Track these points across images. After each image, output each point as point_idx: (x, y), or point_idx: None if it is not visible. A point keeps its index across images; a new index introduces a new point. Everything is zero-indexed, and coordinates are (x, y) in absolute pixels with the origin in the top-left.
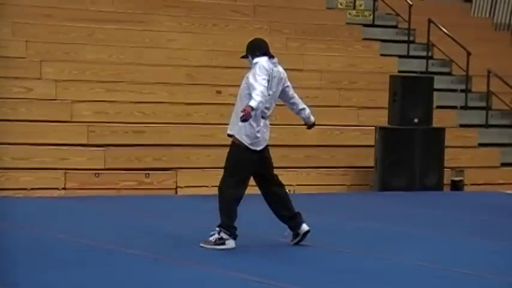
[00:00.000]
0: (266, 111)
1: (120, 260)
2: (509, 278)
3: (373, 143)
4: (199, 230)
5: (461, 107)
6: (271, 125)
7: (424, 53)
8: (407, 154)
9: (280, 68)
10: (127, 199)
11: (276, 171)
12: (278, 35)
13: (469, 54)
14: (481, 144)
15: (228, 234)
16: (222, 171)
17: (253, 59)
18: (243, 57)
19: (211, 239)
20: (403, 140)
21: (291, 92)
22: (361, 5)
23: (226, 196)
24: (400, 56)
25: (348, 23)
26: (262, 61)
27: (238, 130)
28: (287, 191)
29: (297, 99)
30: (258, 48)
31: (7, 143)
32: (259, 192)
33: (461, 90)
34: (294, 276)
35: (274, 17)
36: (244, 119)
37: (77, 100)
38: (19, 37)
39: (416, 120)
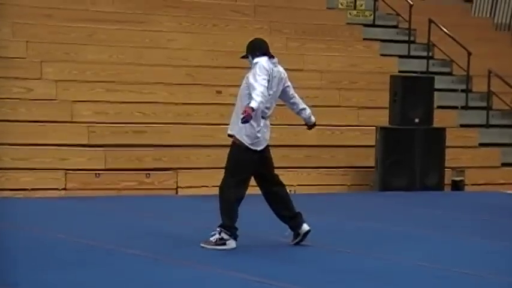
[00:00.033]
0: (266, 111)
1: (120, 260)
2: (509, 278)
3: (373, 143)
4: (199, 230)
5: (462, 107)
6: (271, 125)
7: (424, 53)
8: (408, 154)
9: (280, 68)
10: (127, 199)
11: (276, 171)
12: (278, 35)
13: (469, 54)
14: (481, 144)
15: (228, 235)
16: (222, 172)
17: (253, 59)
18: (243, 57)
19: (211, 239)
20: (404, 140)
21: (292, 92)
22: (361, 5)
23: (227, 196)
24: (401, 56)
25: (348, 23)
26: (262, 61)
27: (239, 130)
28: (288, 191)
29: (297, 99)
30: (258, 48)
31: (7, 144)
32: (259, 192)
33: (462, 90)
34: (294, 276)
35: (275, 17)
36: (245, 120)
37: (77, 100)
38: (19, 37)
39: (416, 120)
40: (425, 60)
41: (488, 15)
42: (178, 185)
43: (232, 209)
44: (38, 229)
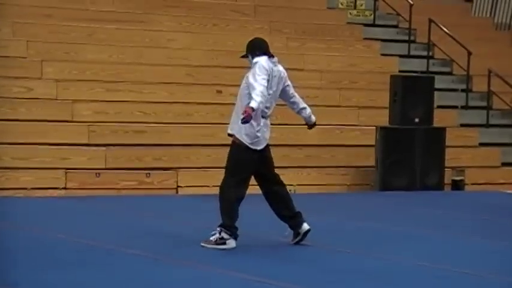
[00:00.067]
0: (266, 110)
1: (120, 260)
2: (509, 278)
3: (373, 143)
4: (199, 229)
5: (462, 107)
6: (271, 124)
7: (424, 53)
8: (408, 154)
9: (280, 67)
10: (127, 199)
11: (276, 171)
12: (278, 35)
13: (469, 54)
14: (481, 144)
15: (229, 234)
16: (222, 171)
17: (253, 58)
18: (243, 56)
19: (212, 238)
20: (404, 140)
21: (292, 91)
22: (361, 5)
23: (228, 196)
24: (401, 56)
25: (348, 23)
26: (261, 61)
27: (239, 130)
28: (288, 190)
29: (297, 98)
30: (257, 47)
31: (7, 143)
32: (260, 192)
33: (462, 90)
34: (295, 276)
35: (275, 17)
36: (245, 120)
37: (78, 100)
38: (19, 37)
39: (417, 120)
40: (425, 60)
41: (488, 15)
42: (179, 184)
43: (233, 208)
44: (38, 229)
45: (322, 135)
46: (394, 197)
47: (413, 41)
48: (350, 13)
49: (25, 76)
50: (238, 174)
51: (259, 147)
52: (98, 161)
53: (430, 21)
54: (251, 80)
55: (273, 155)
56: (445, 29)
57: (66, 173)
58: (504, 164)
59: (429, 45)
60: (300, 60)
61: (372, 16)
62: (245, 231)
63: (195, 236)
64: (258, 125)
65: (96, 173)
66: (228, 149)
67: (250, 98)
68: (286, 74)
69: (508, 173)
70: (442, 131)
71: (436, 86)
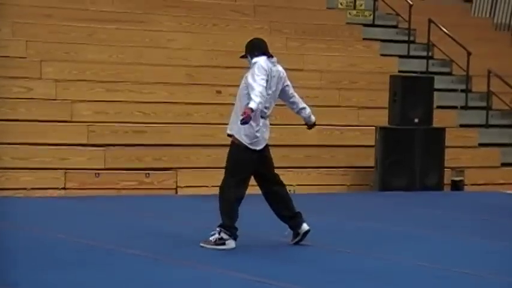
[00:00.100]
0: (266, 110)
1: (120, 260)
2: (509, 278)
3: (373, 143)
4: (199, 230)
5: (462, 107)
6: (271, 125)
7: (424, 53)
8: (408, 154)
9: (279, 67)
10: (127, 199)
11: (276, 171)
12: (278, 35)
13: (469, 54)
14: (481, 144)
15: (228, 235)
16: (222, 171)
17: (252, 58)
18: (242, 57)
19: (211, 239)
20: (404, 140)
21: (291, 91)
22: (361, 5)
23: (227, 196)
24: (401, 56)
25: (348, 23)
26: (260, 61)
27: (238, 130)
28: (288, 190)
29: (297, 98)
30: (256, 48)
31: (7, 143)
32: (259, 192)
33: (462, 90)
34: (294, 276)
35: (275, 17)
36: (245, 121)
37: (77, 100)
38: (19, 37)
39: (416, 120)
40: (425, 60)
41: (488, 15)
42: (178, 184)
43: (232, 209)
44: (37, 229)
45: (322, 136)
46: (393, 197)
47: (413, 41)
48: (349, 13)
49: (25, 76)
50: (238, 174)
51: (258, 148)
52: (97, 161)
53: (430, 21)
54: (250, 80)
55: (272, 155)
56: (444, 30)
57: (65, 173)
58: (504, 165)
59: (429, 46)
60: (300, 60)
61: (372, 16)
62: (245, 231)
63: (195, 236)
64: (258, 125)
65: (95, 173)
66: (227, 149)
67: (249, 98)
68: (285, 74)
69: (508, 174)
70: (441, 131)
71: (436, 86)
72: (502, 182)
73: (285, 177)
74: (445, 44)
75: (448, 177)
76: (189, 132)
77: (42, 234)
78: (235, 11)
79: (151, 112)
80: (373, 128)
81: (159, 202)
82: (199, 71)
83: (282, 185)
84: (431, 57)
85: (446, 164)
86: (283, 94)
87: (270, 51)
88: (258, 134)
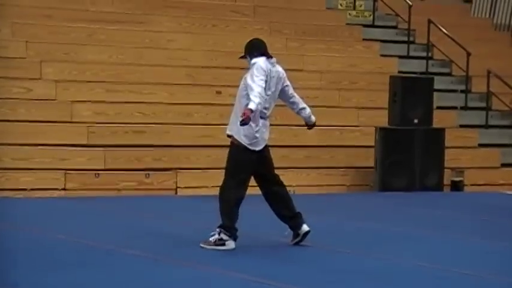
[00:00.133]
0: (265, 111)
1: (120, 261)
2: (509, 278)
3: (373, 144)
4: (199, 230)
5: (461, 108)
6: (271, 125)
7: (424, 54)
8: (407, 154)
9: (278, 68)
10: (127, 199)
11: (276, 172)
12: (278, 36)
13: (469, 54)
14: (481, 145)
15: (228, 235)
16: (222, 172)
17: (251, 59)
18: (241, 57)
19: (211, 239)
20: (403, 141)
21: (291, 91)
22: (361, 6)
23: (227, 197)
24: (400, 57)
25: (348, 24)
26: (259, 62)
27: (237, 130)
28: (288, 191)
29: (297, 98)
30: (256, 48)
31: (7, 144)
32: (260, 192)
33: (461, 91)
34: (294, 277)
35: (274, 18)
36: (244, 122)
37: (77, 100)
38: (19, 37)
39: (416, 121)
40: (424, 61)
41: (487, 16)
42: (178, 185)
43: (232, 209)
44: (37, 229)
45: (321, 136)
46: (393, 198)
47: (413, 42)
48: (349, 14)
49: (24, 77)
50: (238, 175)
51: (257, 148)
52: (97, 162)
53: (429, 22)
54: (249, 81)
55: (272, 155)
56: (444, 30)
57: (65, 173)
58: (503, 165)
59: (428, 46)
60: (300, 60)
61: (371, 17)
62: (245, 232)
63: (195, 237)
64: (257, 125)
65: (95, 174)
66: (227, 150)
67: (248, 99)
68: (285, 74)
69: (508, 174)
70: (441, 131)
71: (436, 86)
72: (501, 182)
73: (285, 177)
74: (444, 44)
75: (448, 177)
76: (189, 133)
77: (42, 234)
78: (235, 12)
79: (151, 113)
80: (373, 128)
81: (159, 202)
82: (199, 71)
83: (282, 185)
84: (431, 58)
85: (446, 165)
86: (283, 94)
87: (270, 51)
88: (257, 135)
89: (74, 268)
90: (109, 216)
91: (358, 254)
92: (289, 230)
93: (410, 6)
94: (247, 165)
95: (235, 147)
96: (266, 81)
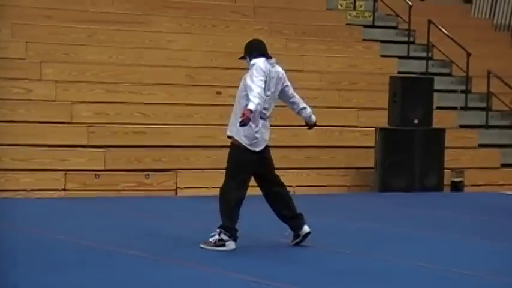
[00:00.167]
0: (265, 111)
1: (120, 261)
2: (509, 278)
3: (373, 144)
4: (199, 231)
5: (462, 108)
6: (271, 126)
7: (424, 54)
8: (408, 155)
9: (278, 68)
10: (127, 200)
11: (276, 172)
12: (278, 36)
13: (469, 55)
14: (481, 145)
15: (228, 236)
16: (222, 173)
17: (250, 60)
18: (240, 58)
19: (211, 240)
20: (403, 141)
21: (291, 91)
22: (361, 6)
23: (228, 198)
24: (400, 57)
25: (348, 24)
26: (259, 62)
27: (237, 131)
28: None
29: (297, 98)
30: (255, 49)
31: (7, 144)
32: (260, 193)
33: (461, 91)
34: (294, 277)
35: (274, 18)
36: (244, 123)
37: (77, 101)
38: (19, 38)
39: (416, 121)
40: (424, 61)
41: (487, 16)
42: (178, 185)
43: (233, 210)
44: (37, 230)
45: (321, 137)
46: (393, 198)
47: (413, 42)
48: (349, 14)
49: (24, 77)
50: (238, 175)
51: (258, 149)
52: (97, 162)
53: (430, 22)
54: (249, 81)
55: (272, 156)
56: (444, 30)
57: (65, 174)
58: (503, 165)
59: (428, 46)
60: (300, 61)
61: (371, 17)
62: (245, 232)
63: (195, 237)
64: (257, 126)
65: (95, 174)
66: (227, 151)
67: (248, 99)
68: (284, 74)
69: (508, 174)
70: (441, 132)
71: (436, 87)
72: (501, 182)
73: (285, 178)
74: (444, 44)
75: (448, 178)
76: (189, 133)
77: (42, 235)
78: (235, 12)
79: (151, 113)
80: (373, 128)
81: (159, 203)
82: (199, 72)
83: (282, 185)
84: (431, 58)
85: (446, 165)
86: (283, 95)
87: (270, 52)
88: (257, 135)
89: (74, 268)
90: (109, 216)
91: (358, 255)
92: (289, 230)
93: (410, 7)
94: (248, 165)
95: (236, 148)
96: (265, 82)
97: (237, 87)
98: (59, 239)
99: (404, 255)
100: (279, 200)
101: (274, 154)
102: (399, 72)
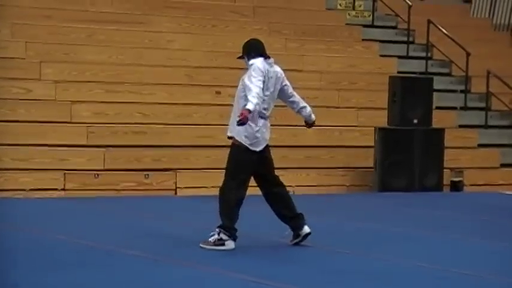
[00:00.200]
0: (264, 112)
1: (120, 261)
2: (509, 278)
3: (372, 144)
4: (199, 230)
5: (461, 108)
6: (270, 125)
7: (423, 54)
8: (407, 155)
9: (276, 68)
10: (127, 200)
11: (275, 172)
12: (278, 36)
13: (468, 54)
14: (480, 145)
15: (227, 235)
16: (221, 172)
17: (248, 60)
18: (239, 58)
19: (210, 239)
20: (403, 141)
21: (290, 90)
22: (360, 6)
23: (228, 197)
24: (400, 57)
25: (347, 24)
26: (257, 62)
27: (238, 131)
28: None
29: (296, 97)
30: (253, 49)
31: (7, 144)
32: (260, 193)
33: (461, 91)
34: (294, 277)
35: (274, 18)
36: (242, 123)
37: (77, 101)
38: (19, 38)
39: (415, 121)
40: (424, 61)
41: (487, 16)
42: (178, 185)
43: (233, 210)
44: (37, 230)
45: (321, 136)
46: (393, 198)
47: (412, 42)
48: (349, 14)
49: (24, 77)
50: (238, 175)
51: (258, 148)
52: (97, 162)
53: (429, 22)
54: (247, 82)
55: (272, 156)
56: (443, 30)
57: (65, 174)
58: (503, 165)
59: (428, 46)
60: (299, 61)
61: (371, 17)
62: (245, 232)
63: (195, 237)
64: (257, 125)
65: (95, 174)
66: (227, 150)
67: (246, 100)
68: (283, 74)
69: (507, 174)
70: (441, 132)
71: (435, 87)
72: (501, 182)
73: (284, 178)
74: (444, 44)
75: (448, 177)
76: (189, 133)
77: (42, 235)
78: (235, 12)
79: (151, 113)
80: (373, 128)
81: (159, 203)
82: (199, 71)
83: (282, 186)
84: (431, 58)
85: (445, 165)
86: (282, 94)
87: (269, 52)
88: (258, 135)
89: (74, 268)
90: (109, 216)
91: (358, 255)
92: (289, 230)
93: (409, 7)
94: (248, 165)
95: (236, 148)
96: (264, 82)
97: (237, 87)
98: (58, 238)
99: (404, 255)
100: (279, 200)
101: (273, 154)
102: (399, 72)
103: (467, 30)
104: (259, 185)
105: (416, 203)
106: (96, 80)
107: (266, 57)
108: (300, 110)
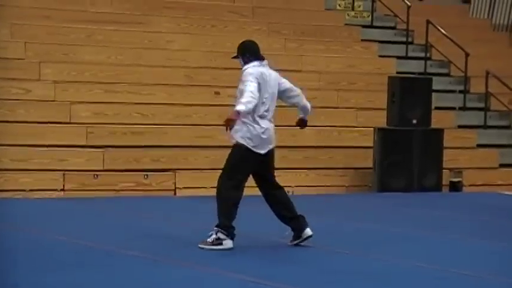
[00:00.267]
0: (266, 113)
1: (120, 261)
2: (508, 279)
3: (371, 144)
4: (198, 231)
5: (460, 108)
6: None
7: (422, 54)
8: (406, 155)
9: (270, 70)
10: (126, 200)
11: (274, 172)
12: (277, 36)
13: (467, 55)
14: (479, 145)
15: (225, 234)
16: (220, 173)
17: (243, 61)
18: (234, 57)
19: (208, 239)
20: (402, 141)
21: (288, 85)
22: (359, 6)
23: (225, 198)
24: (399, 57)
25: (346, 24)
26: (248, 69)
27: (242, 134)
28: (286, 192)
29: (298, 90)
30: (248, 50)
31: (6, 144)
32: (259, 193)
33: (460, 91)
34: (293, 277)
35: (273, 18)
36: (229, 124)
37: (76, 101)
38: (18, 38)
39: (414, 121)
40: (423, 61)
41: (486, 16)
42: (177, 186)
43: (231, 209)
44: (36, 230)
45: (320, 137)
46: (392, 198)
47: (411, 43)
48: (348, 14)
49: (23, 77)
50: (235, 176)
51: (263, 151)
52: (96, 163)
53: (428, 22)
54: (240, 86)
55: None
56: (442, 30)
57: (64, 174)
58: (502, 166)
59: (427, 47)
60: (298, 61)
61: (370, 17)
62: (244, 232)
63: (194, 237)
64: (261, 127)
65: (94, 175)
66: (226, 151)
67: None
68: (277, 74)
69: (506, 174)
70: (440, 132)
71: (434, 87)
72: (500, 183)
73: (284, 178)
74: (443, 45)
75: (447, 178)
76: (188, 134)
77: (41, 235)
78: (234, 12)
79: (150, 113)
80: (372, 129)
81: (158, 203)
82: (198, 72)
83: (280, 188)
84: (430, 58)
85: (444, 165)
86: (283, 92)
87: (268, 52)
88: (264, 136)
89: (73, 269)
90: (108, 217)
91: (357, 255)
92: (289, 230)
93: (408, 7)
94: (247, 167)
95: (238, 148)
96: (259, 83)
97: (236, 87)
98: (58, 239)
99: (403, 256)
100: (279, 202)
101: None
102: (398, 73)
103: (466, 30)
104: (259, 185)
105: (415, 203)
106: (95, 81)
107: (261, 58)
108: (303, 107)
